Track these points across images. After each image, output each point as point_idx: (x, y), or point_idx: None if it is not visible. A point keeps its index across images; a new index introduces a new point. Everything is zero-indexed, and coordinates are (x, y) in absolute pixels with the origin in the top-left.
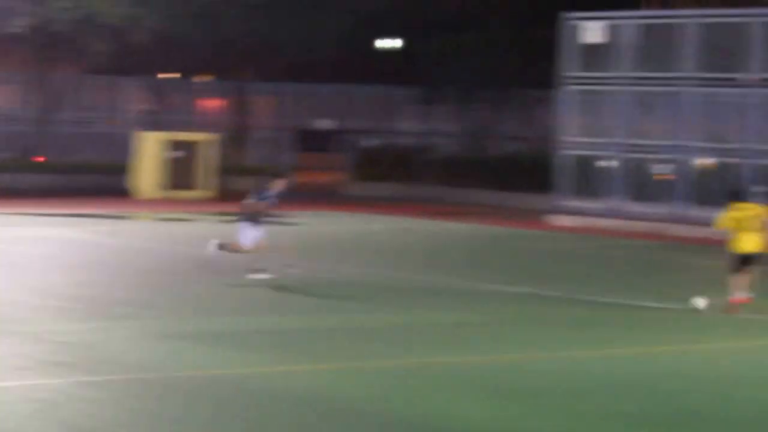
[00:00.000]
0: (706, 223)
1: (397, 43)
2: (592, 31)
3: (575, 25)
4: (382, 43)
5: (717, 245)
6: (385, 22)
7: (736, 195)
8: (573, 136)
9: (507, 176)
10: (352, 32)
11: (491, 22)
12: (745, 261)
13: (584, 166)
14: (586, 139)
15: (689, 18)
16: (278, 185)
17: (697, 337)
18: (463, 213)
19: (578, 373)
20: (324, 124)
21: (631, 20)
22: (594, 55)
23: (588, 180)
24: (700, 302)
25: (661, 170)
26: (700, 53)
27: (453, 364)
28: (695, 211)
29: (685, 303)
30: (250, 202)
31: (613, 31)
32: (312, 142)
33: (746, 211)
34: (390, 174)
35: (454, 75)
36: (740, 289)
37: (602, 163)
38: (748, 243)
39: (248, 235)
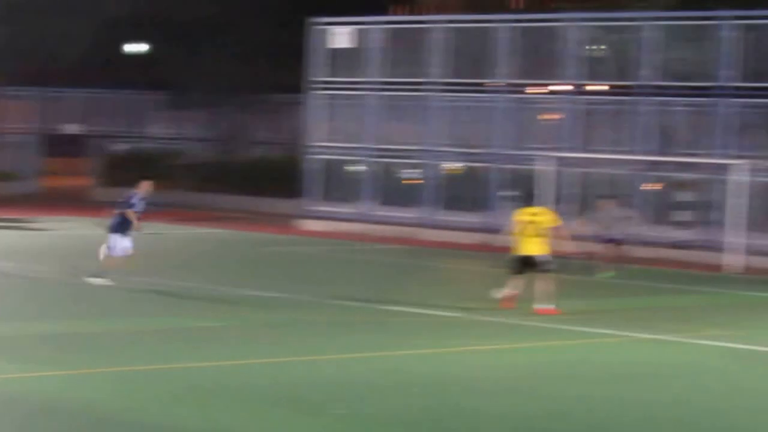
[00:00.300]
0: (454, 227)
1: (144, 47)
2: (340, 36)
3: (323, 29)
4: (130, 48)
5: (463, 249)
6: (132, 27)
7: (527, 199)
8: (322, 141)
9: (258, 181)
10: (98, 37)
11: (240, 26)
12: (527, 264)
13: (333, 170)
14: (334, 144)
15: (436, 23)
16: (143, 190)
17: (440, 341)
18: (214, 218)
19: (331, 376)
20: (71, 128)
21: (378, 25)
22: (342, 59)
23: (337, 185)
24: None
25: (409, 175)
26: (448, 58)
27: (200, 368)
28: (443, 216)
29: (429, 307)
30: (119, 210)
31: (361, 36)
32: (59, 146)
33: (533, 216)
34: (137, 179)
35: (201, 79)
36: (513, 289)
37: (351, 168)
38: (531, 246)
39: (118, 245)
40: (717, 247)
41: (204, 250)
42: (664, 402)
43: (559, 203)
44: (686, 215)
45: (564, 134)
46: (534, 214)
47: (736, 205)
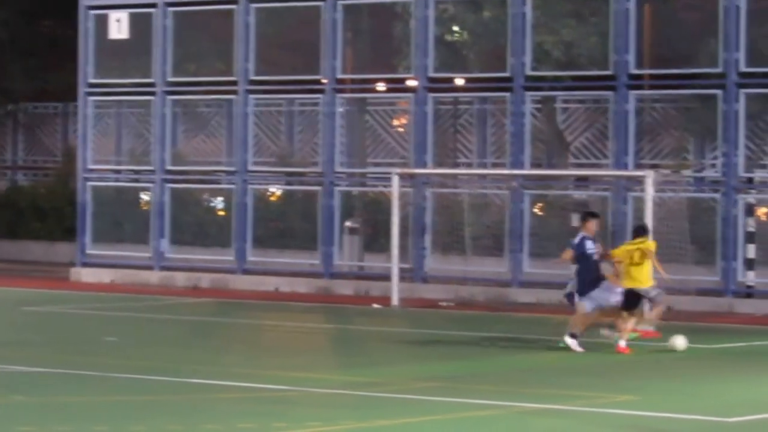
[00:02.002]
0: (281, 272)
1: None
2: (117, 24)
3: (101, 16)
4: None
5: (295, 300)
6: None
7: (637, 230)
8: (100, 164)
9: (17, 220)
10: None
11: None
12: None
13: (119, 202)
14: (117, 167)
15: (242, 3)
16: None
17: (269, 422)
18: None
19: None
20: None
21: (166, 8)
22: (122, 55)
23: (125, 221)
24: None
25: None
26: (259, 50)
27: None
28: (264, 257)
29: (252, 379)
30: None
31: (143, 22)
32: None
33: (639, 245)
34: None
35: None
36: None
37: (145, 198)
38: (640, 278)
39: None
40: None
41: None
42: None
43: (422, 234)
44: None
45: (417, 144)
46: (640, 243)
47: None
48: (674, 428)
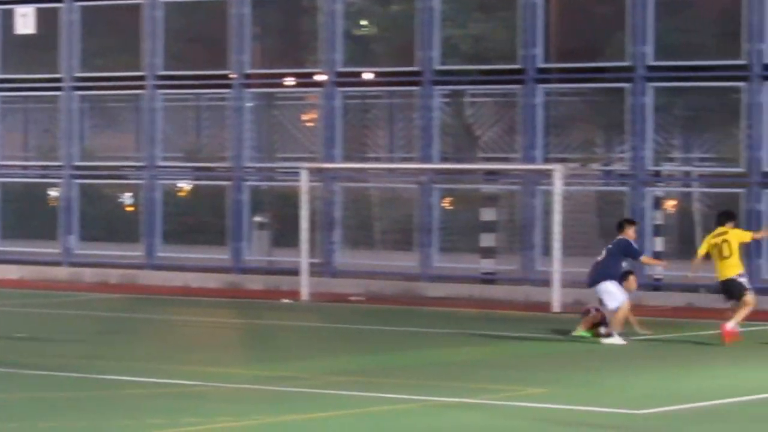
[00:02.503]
0: (189, 267)
1: None
2: (23, 18)
3: (7, 11)
4: None
5: (204, 295)
6: None
7: (720, 219)
8: (7, 159)
9: None
10: None
11: None
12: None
13: (26, 198)
14: (24, 163)
15: None
16: None
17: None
18: None
19: None
20: None
21: (72, 2)
22: (29, 50)
23: (32, 217)
24: None
25: (127, 199)
26: (167, 43)
27: None
28: (173, 252)
29: (162, 374)
30: None
31: (48, 17)
32: None
33: (724, 236)
34: None
35: None
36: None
37: (53, 193)
38: (728, 270)
39: None
40: (532, 280)
41: None
42: None
43: (331, 228)
44: (493, 240)
45: (326, 139)
46: (724, 233)
47: (553, 223)
48: (582, 420)
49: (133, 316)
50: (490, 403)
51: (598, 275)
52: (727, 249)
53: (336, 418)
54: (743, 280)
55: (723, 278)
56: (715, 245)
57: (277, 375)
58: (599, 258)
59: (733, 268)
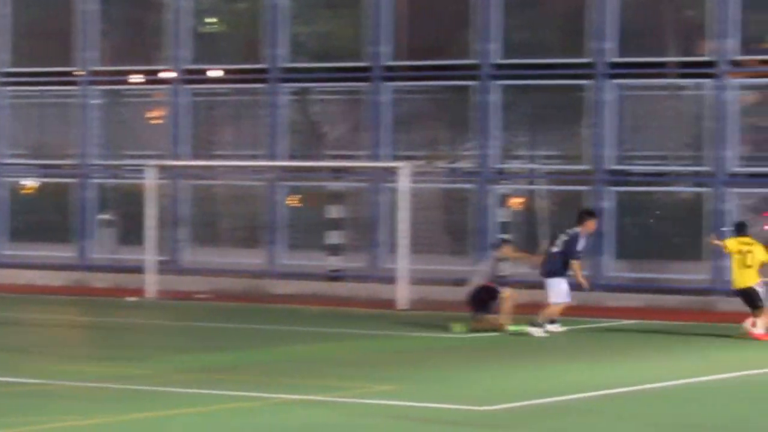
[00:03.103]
0: (32, 264)
1: None
2: None
3: None
4: None
5: (48, 293)
6: None
7: (739, 228)
8: None
9: None
10: None
11: None
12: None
13: None
14: None
15: None
16: None
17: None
18: None
19: None
20: None
21: None
22: None
23: None
24: None
25: None
26: (10, 40)
27: None
28: (12, 250)
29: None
30: None
31: None
32: None
33: (748, 245)
34: None
35: None
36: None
37: None
38: (748, 278)
39: None
40: (378, 277)
41: None
42: None
43: (178, 226)
44: (339, 237)
45: (174, 136)
46: (750, 244)
47: (399, 221)
48: (431, 417)
49: None
50: (339, 400)
51: (549, 271)
52: (751, 259)
53: (183, 416)
54: (761, 290)
55: (743, 286)
56: (740, 252)
57: (123, 373)
58: (554, 249)
59: (753, 278)
